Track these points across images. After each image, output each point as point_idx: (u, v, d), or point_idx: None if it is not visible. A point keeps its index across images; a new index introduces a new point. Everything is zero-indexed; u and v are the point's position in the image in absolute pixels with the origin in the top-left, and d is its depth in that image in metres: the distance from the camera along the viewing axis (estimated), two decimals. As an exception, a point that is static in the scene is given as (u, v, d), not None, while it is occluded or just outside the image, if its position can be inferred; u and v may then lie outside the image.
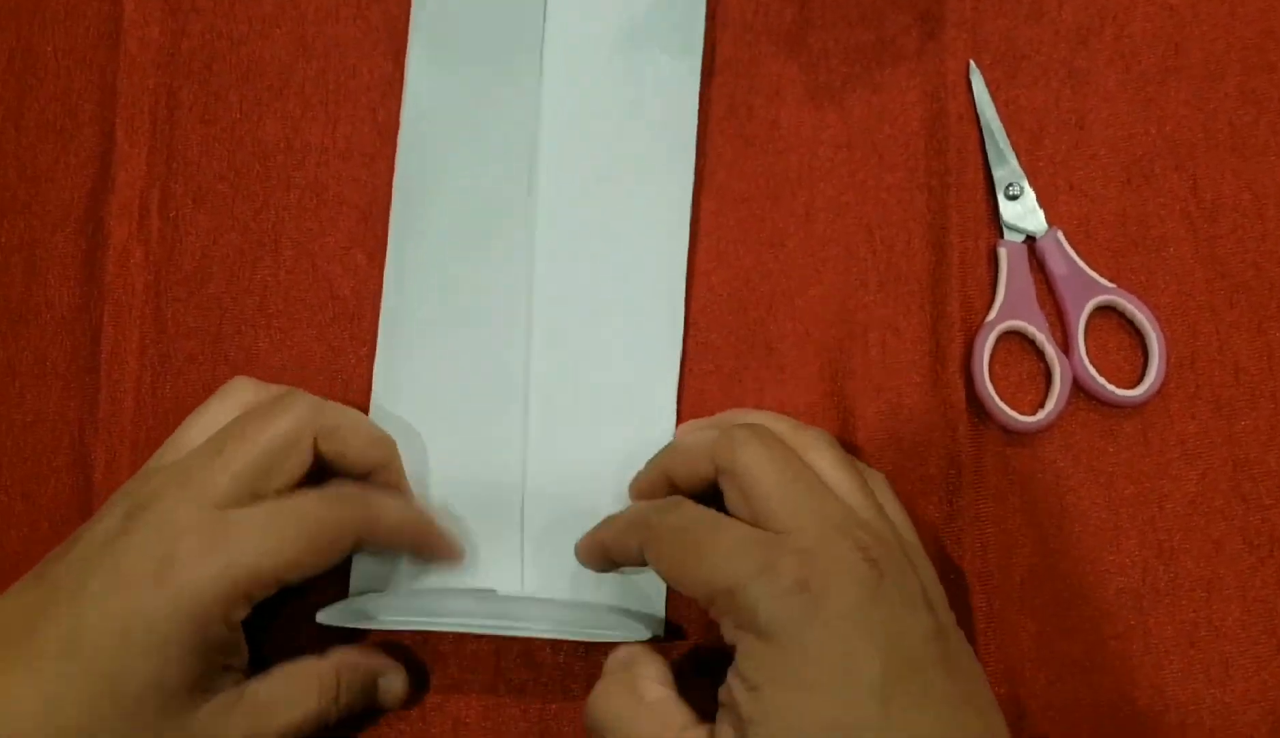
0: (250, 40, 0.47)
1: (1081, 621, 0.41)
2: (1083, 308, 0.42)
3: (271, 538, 0.35)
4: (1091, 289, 0.42)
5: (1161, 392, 0.42)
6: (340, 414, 0.38)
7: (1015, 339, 0.43)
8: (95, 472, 0.43)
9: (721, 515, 0.35)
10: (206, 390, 0.40)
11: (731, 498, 0.35)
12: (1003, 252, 0.43)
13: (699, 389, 0.43)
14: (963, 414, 0.42)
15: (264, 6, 0.47)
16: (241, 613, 0.35)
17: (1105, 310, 0.43)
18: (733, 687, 0.33)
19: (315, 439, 0.37)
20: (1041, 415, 0.41)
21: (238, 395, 0.39)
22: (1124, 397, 0.42)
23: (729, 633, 0.34)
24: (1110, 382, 0.42)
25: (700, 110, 0.44)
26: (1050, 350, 0.42)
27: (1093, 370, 0.42)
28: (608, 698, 0.36)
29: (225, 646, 0.35)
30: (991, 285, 0.43)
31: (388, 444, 0.40)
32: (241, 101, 0.46)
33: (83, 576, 0.34)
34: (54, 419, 0.44)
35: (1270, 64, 0.44)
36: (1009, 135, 0.44)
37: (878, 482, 0.38)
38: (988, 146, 0.44)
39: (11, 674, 0.33)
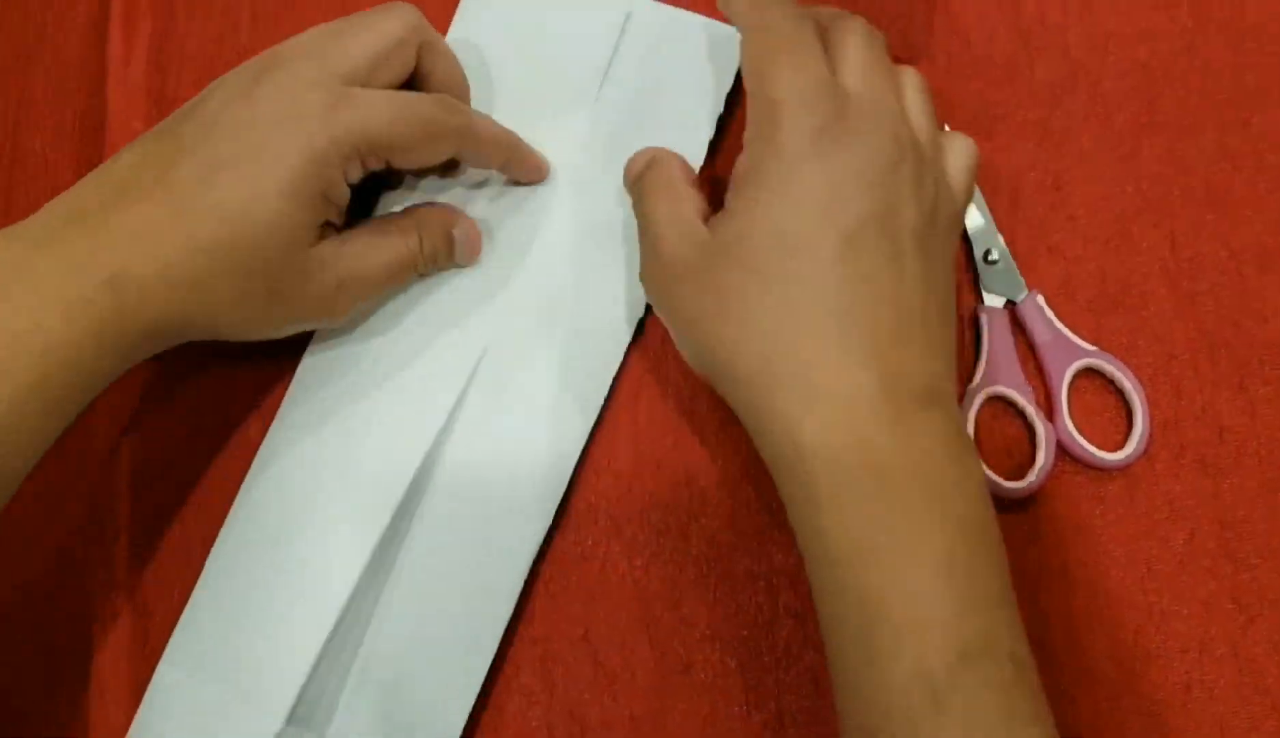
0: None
1: (1073, 684, 0.41)
2: (1065, 371, 0.42)
3: (391, 112, 0.39)
4: (1073, 353, 0.42)
5: (1147, 453, 0.42)
6: (438, 34, 0.42)
7: (999, 404, 0.43)
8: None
9: (792, 41, 0.37)
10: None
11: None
12: (983, 317, 0.43)
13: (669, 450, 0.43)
14: (948, 482, 0.42)
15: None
16: (356, 173, 0.39)
17: (1088, 373, 0.43)
18: (733, 177, 0.37)
19: (419, 47, 0.41)
20: (1027, 481, 0.41)
21: (399, 25, 0.41)
22: (1109, 460, 0.42)
23: (756, 148, 0.37)
24: (1095, 444, 0.42)
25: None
26: (1034, 415, 0.42)
27: (1077, 434, 0.42)
28: (655, 198, 0.40)
29: (337, 199, 0.39)
30: (974, 351, 0.43)
31: (466, 82, 0.44)
32: None
33: (214, 122, 0.37)
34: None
35: (1245, 120, 0.44)
36: (985, 198, 0.44)
37: (908, 78, 0.39)
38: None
39: (149, 203, 0.36)
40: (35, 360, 0.34)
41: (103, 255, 0.35)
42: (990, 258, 0.43)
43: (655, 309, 0.40)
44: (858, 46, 0.38)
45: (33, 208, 0.47)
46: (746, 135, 0.37)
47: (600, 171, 0.44)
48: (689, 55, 0.45)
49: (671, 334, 0.39)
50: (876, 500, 0.33)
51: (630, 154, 0.42)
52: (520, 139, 0.44)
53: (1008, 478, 0.42)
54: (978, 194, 0.44)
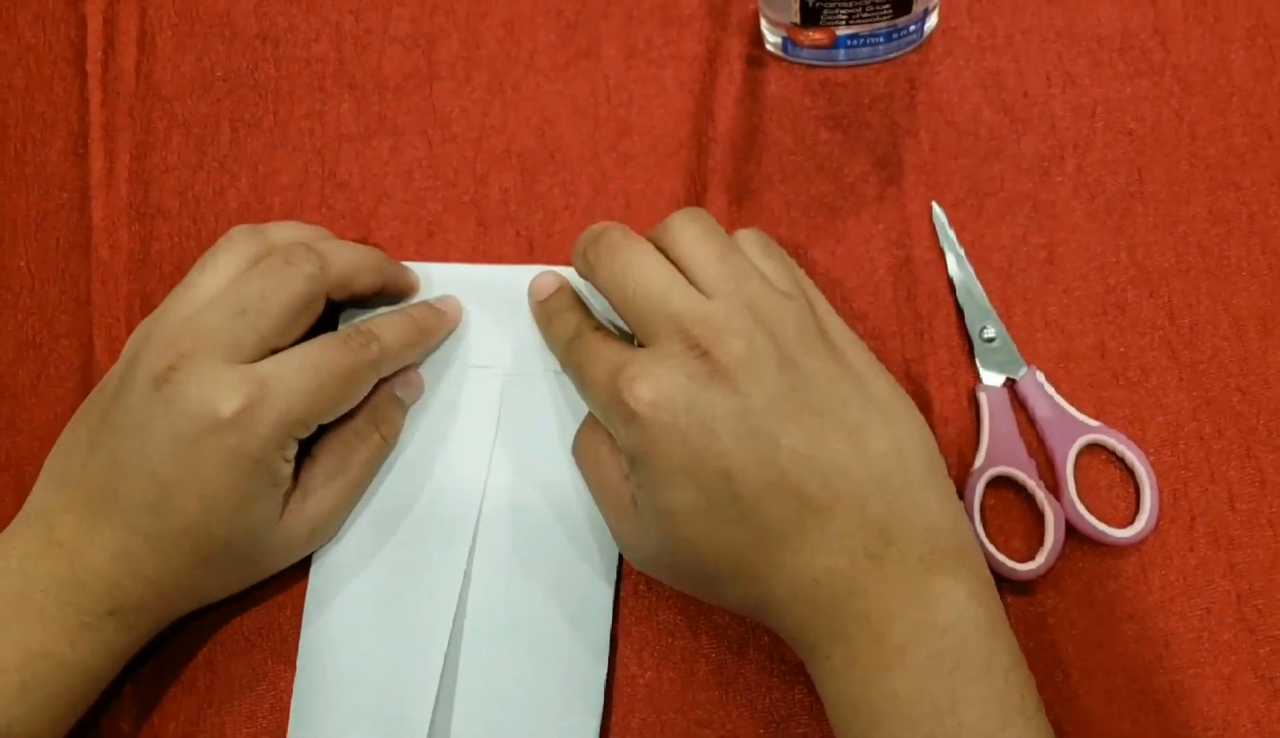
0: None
1: (1090, 767, 0.40)
2: (1069, 448, 0.42)
3: (308, 385, 0.38)
4: (1076, 429, 0.42)
5: (1157, 527, 0.41)
6: (344, 259, 0.41)
7: (1004, 484, 0.42)
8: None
9: (605, 344, 0.39)
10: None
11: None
12: (983, 396, 0.42)
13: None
14: (957, 567, 0.41)
15: (228, 204, 0.48)
16: (293, 450, 0.39)
17: (1093, 449, 0.42)
18: (627, 460, 0.37)
19: (327, 294, 0.41)
20: (1037, 562, 0.41)
21: (242, 247, 0.41)
22: (1119, 536, 0.41)
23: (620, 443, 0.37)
24: (1104, 521, 0.41)
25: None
26: (1040, 494, 0.41)
27: (1085, 512, 0.41)
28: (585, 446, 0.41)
29: (282, 477, 0.39)
30: (975, 430, 0.43)
31: (384, 265, 0.43)
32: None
33: (143, 433, 0.38)
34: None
35: (1235, 182, 0.44)
36: (978, 275, 0.44)
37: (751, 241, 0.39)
38: (957, 288, 0.44)
39: (118, 530, 0.38)
40: (50, 678, 0.37)
41: (95, 587, 0.38)
42: (986, 336, 0.43)
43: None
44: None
45: (18, 329, 0.48)
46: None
47: None
48: None
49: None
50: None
51: None
52: (413, 312, 0.43)
53: (1016, 560, 0.41)
54: (970, 271, 0.44)
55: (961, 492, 0.42)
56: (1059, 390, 0.42)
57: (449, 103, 0.48)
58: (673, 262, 0.38)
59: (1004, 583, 0.41)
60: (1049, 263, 0.44)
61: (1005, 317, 0.43)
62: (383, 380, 0.42)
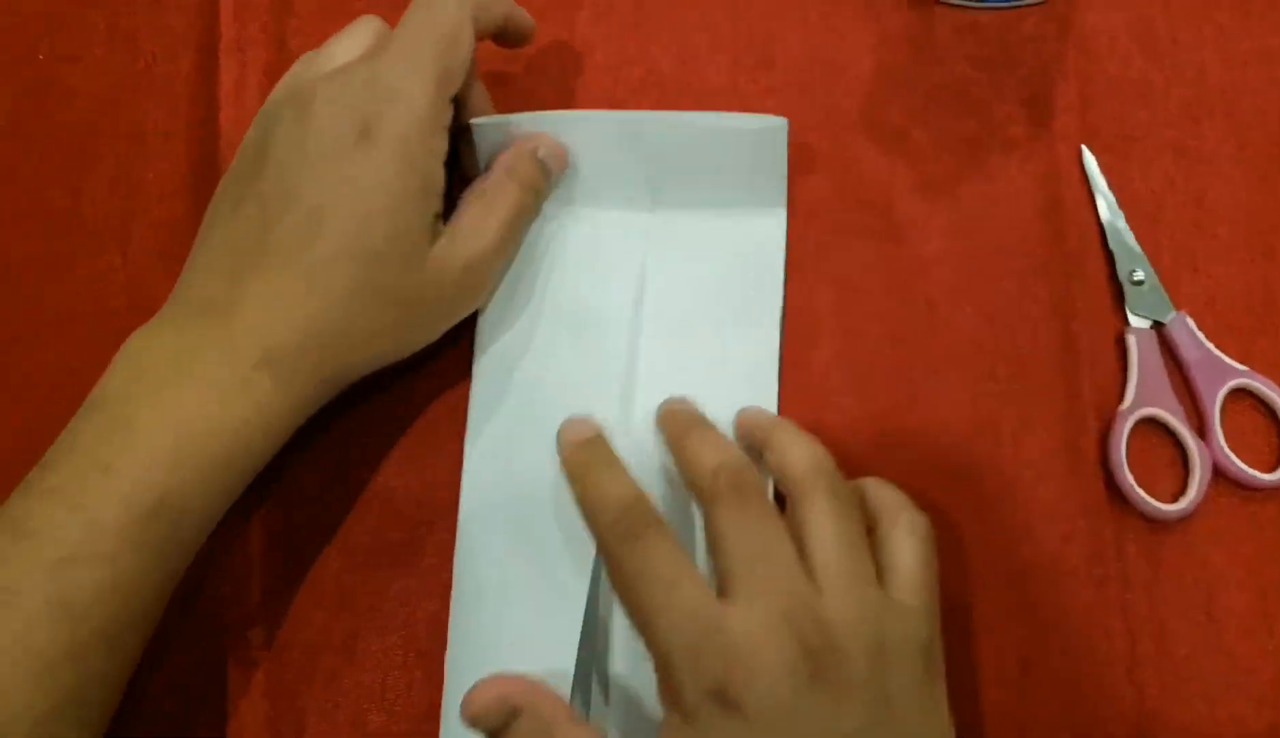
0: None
1: (1233, 711, 0.40)
2: (1217, 392, 0.42)
3: (430, 74, 0.38)
4: (1225, 373, 0.42)
5: (1303, 473, 0.42)
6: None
7: (1150, 426, 0.42)
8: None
9: (681, 565, 0.34)
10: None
11: (708, 540, 0.36)
12: (1131, 339, 0.43)
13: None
14: (1103, 505, 0.41)
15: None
16: (441, 145, 0.39)
17: (1239, 393, 0.42)
18: None
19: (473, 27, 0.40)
20: (1183, 503, 0.41)
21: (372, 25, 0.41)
22: (1265, 480, 0.41)
23: (661, 696, 0.34)
24: (1250, 465, 0.41)
25: (809, 210, 0.45)
26: (1187, 436, 0.42)
27: (1231, 455, 0.41)
28: None
29: (436, 186, 0.38)
30: (1122, 373, 0.43)
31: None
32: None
33: (290, 169, 0.38)
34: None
35: (1389, 136, 0.44)
36: (1127, 219, 0.44)
37: (901, 525, 0.36)
38: (1106, 231, 0.44)
39: (269, 274, 0.37)
40: (204, 444, 0.35)
41: (245, 340, 0.36)
42: (1136, 278, 0.43)
43: None
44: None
45: (150, 239, 0.47)
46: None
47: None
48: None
49: None
50: None
51: None
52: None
53: (1162, 501, 0.41)
54: (1120, 214, 0.44)
55: (1108, 434, 0.42)
56: (1207, 335, 0.43)
57: (589, 31, 0.48)
58: (794, 521, 0.35)
59: (1151, 523, 0.42)
60: (1197, 208, 0.44)
61: (1154, 261, 0.44)
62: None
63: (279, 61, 0.48)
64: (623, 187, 0.44)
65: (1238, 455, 0.41)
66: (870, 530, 0.36)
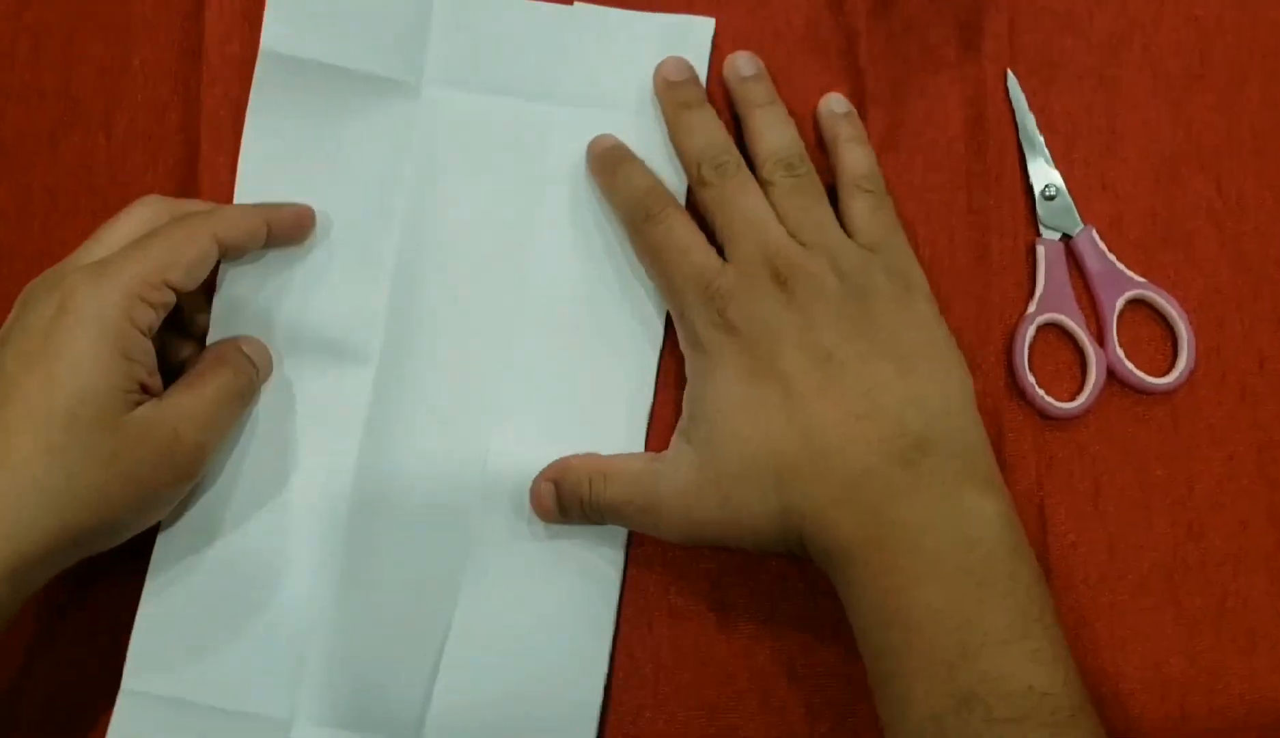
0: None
1: (1116, 595, 0.44)
2: (1116, 301, 0.45)
3: (151, 255, 0.40)
4: (1124, 284, 0.45)
5: (1190, 380, 0.45)
6: (237, 226, 0.43)
7: (1053, 331, 0.46)
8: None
9: (692, 236, 0.43)
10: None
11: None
12: (1040, 249, 0.46)
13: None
14: (1004, 400, 0.45)
15: (340, 21, 0.50)
16: (143, 317, 0.39)
17: (1137, 304, 0.46)
18: (687, 390, 0.42)
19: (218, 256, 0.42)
20: (1078, 402, 0.44)
21: (147, 210, 0.43)
22: (1155, 384, 0.44)
23: (682, 343, 0.43)
24: (1142, 370, 0.44)
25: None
26: (1086, 341, 0.45)
27: (1126, 360, 0.45)
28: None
29: (140, 352, 0.39)
30: (1030, 281, 0.46)
31: (261, 221, 0.44)
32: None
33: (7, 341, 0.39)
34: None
35: (1292, 70, 0.47)
36: (1045, 139, 0.47)
37: (852, 194, 0.44)
38: (1025, 150, 0.47)
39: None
40: None
41: None
42: (1048, 194, 0.46)
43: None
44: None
45: (134, 121, 0.50)
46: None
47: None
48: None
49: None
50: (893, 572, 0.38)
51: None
52: (269, 208, 0.44)
53: (1060, 399, 0.44)
54: (1038, 134, 0.47)
55: (1013, 336, 0.45)
56: (1110, 248, 0.46)
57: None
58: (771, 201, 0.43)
59: (1047, 420, 0.45)
60: (1110, 133, 0.47)
61: (1067, 179, 0.46)
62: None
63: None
64: (528, 79, 0.46)
65: (1132, 361, 0.45)
66: None
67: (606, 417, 0.44)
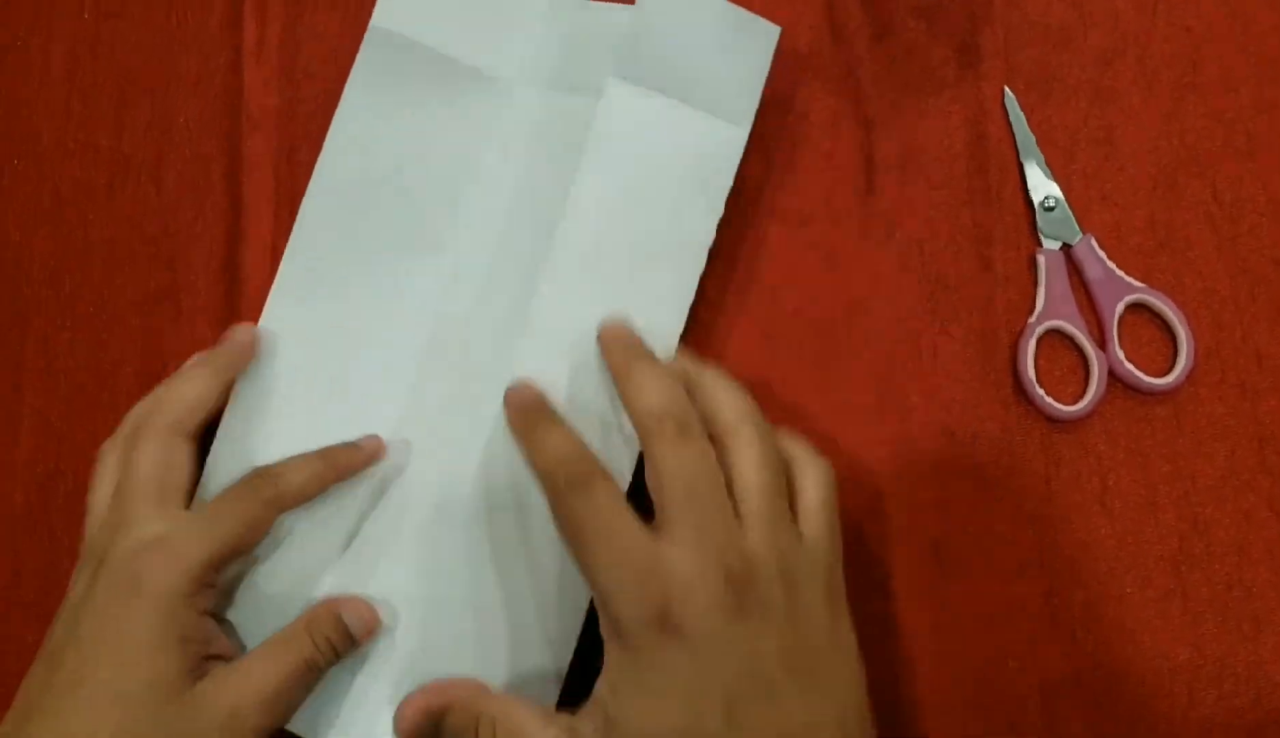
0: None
1: (1125, 588, 0.46)
2: (1116, 306, 0.47)
3: (206, 537, 0.41)
4: (1123, 289, 0.47)
5: (1190, 379, 0.47)
6: (299, 493, 0.44)
7: (1056, 337, 0.48)
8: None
9: (622, 514, 0.38)
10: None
11: (648, 474, 0.39)
12: (1041, 259, 0.48)
13: (769, 388, 0.48)
14: (1011, 406, 0.47)
15: (369, 70, 0.53)
16: (204, 601, 0.41)
17: (1137, 308, 0.47)
18: (601, 685, 0.38)
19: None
20: (1081, 405, 0.46)
21: (200, 381, 0.46)
22: (1156, 385, 0.46)
23: (603, 630, 0.38)
24: (1143, 371, 0.46)
25: (759, 142, 0.49)
26: (1088, 346, 0.47)
27: (1127, 362, 0.46)
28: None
29: (199, 633, 0.41)
30: (1033, 290, 0.48)
31: (320, 483, 0.44)
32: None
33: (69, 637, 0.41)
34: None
35: (1280, 76, 0.49)
36: (1043, 153, 0.49)
37: (809, 474, 0.41)
38: (1024, 164, 0.49)
39: (71, 717, 0.39)
40: None
41: None
42: (1048, 205, 0.48)
43: None
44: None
45: (180, 173, 0.54)
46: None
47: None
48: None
49: None
50: None
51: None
52: (331, 452, 0.45)
53: (1064, 403, 0.46)
54: (1036, 148, 0.49)
55: (1017, 344, 0.47)
56: (1110, 256, 0.48)
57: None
58: (722, 462, 0.39)
59: (1053, 423, 0.47)
60: (1107, 143, 0.49)
61: (1066, 190, 0.48)
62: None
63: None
64: (577, 70, 0.47)
65: (1133, 363, 0.47)
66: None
67: None
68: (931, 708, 0.45)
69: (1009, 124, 0.49)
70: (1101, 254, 0.47)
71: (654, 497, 0.39)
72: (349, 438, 0.46)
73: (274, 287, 0.49)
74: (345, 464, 0.45)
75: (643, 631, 0.36)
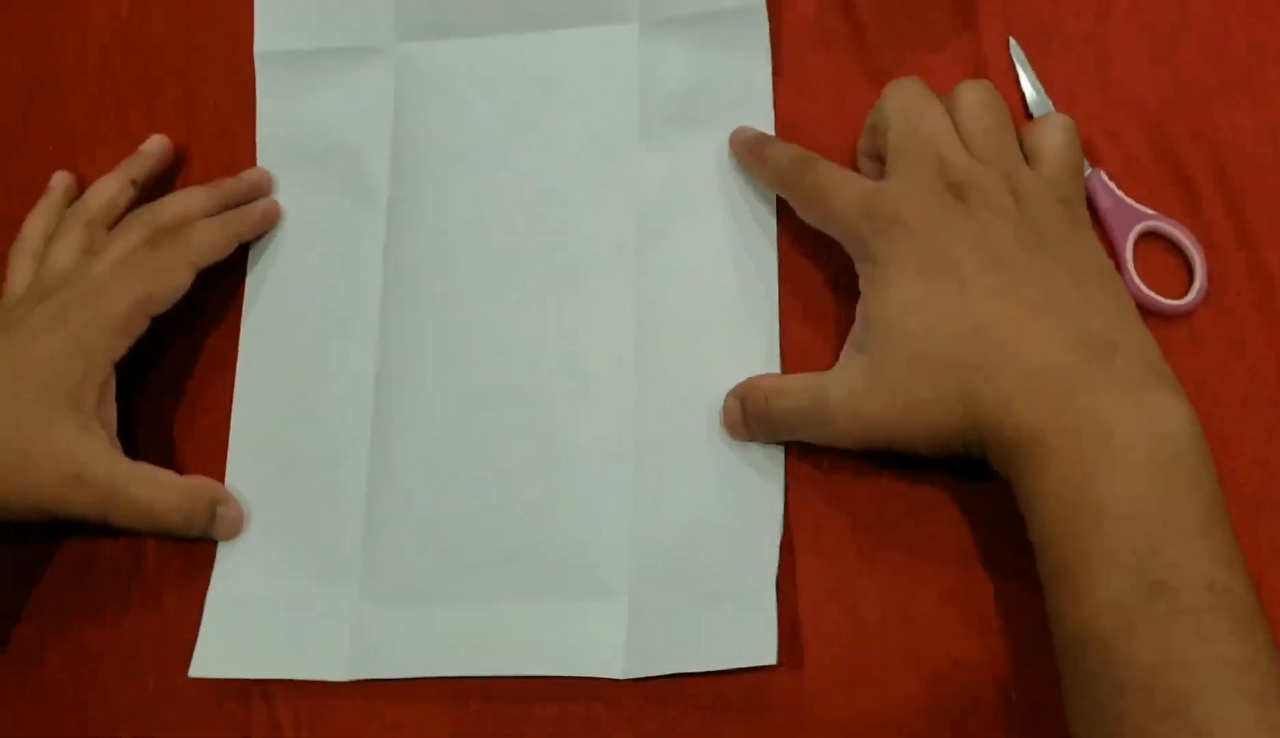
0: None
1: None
2: (1128, 234, 0.48)
3: (135, 290, 0.48)
4: (1135, 217, 0.48)
5: (1206, 301, 0.47)
6: (212, 250, 0.50)
7: (1071, 267, 0.49)
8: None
9: (846, 171, 0.45)
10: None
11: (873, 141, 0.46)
12: (1052, 194, 0.49)
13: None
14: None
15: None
16: (123, 344, 0.47)
17: (1149, 236, 0.49)
18: (859, 304, 0.43)
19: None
20: (1101, 329, 0.47)
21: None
22: (1173, 306, 0.47)
23: (857, 266, 0.44)
24: (1159, 295, 0.47)
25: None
26: (1103, 273, 0.48)
27: (1143, 286, 0.47)
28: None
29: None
30: (1046, 223, 0.49)
31: (232, 235, 0.51)
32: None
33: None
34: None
35: (1272, 15, 0.51)
36: (1050, 97, 0.51)
37: (1045, 127, 0.45)
38: (1031, 108, 0.51)
39: None
40: None
41: None
42: (1056, 145, 0.50)
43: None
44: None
45: (208, 151, 0.55)
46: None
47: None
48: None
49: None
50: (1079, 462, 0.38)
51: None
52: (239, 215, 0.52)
53: (1084, 329, 0.47)
54: (1042, 93, 0.50)
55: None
56: (1120, 188, 0.49)
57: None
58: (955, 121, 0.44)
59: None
60: (1107, 87, 0.51)
61: (1072, 130, 0.50)
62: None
63: None
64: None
65: (1149, 287, 0.48)
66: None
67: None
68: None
69: (1013, 74, 0.51)
70: (1112, 185, 0.49)
71: (881, 149, 0.45)
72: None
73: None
74: (251, 228, 0.52)
75: (879, 240, 0.42)
